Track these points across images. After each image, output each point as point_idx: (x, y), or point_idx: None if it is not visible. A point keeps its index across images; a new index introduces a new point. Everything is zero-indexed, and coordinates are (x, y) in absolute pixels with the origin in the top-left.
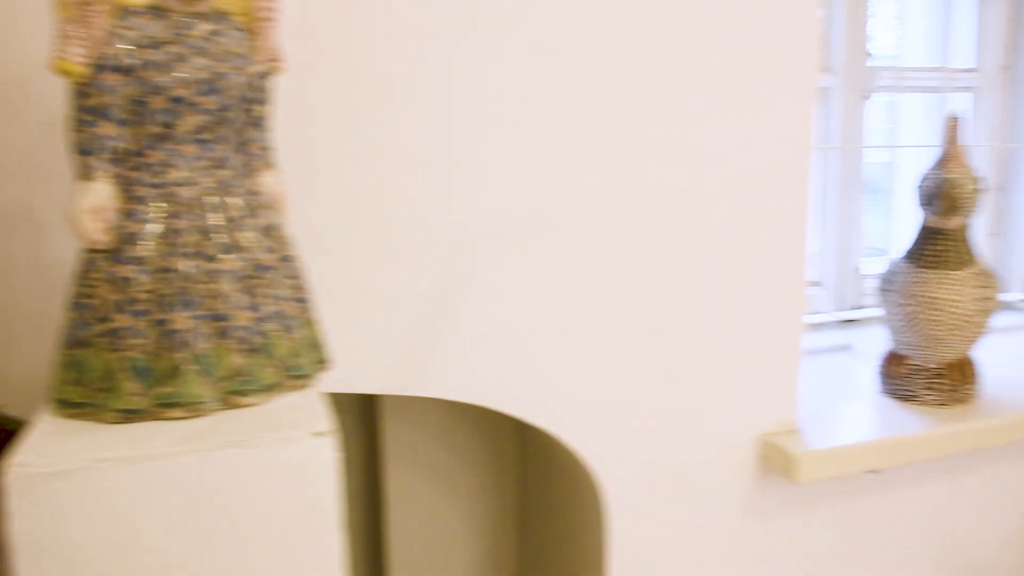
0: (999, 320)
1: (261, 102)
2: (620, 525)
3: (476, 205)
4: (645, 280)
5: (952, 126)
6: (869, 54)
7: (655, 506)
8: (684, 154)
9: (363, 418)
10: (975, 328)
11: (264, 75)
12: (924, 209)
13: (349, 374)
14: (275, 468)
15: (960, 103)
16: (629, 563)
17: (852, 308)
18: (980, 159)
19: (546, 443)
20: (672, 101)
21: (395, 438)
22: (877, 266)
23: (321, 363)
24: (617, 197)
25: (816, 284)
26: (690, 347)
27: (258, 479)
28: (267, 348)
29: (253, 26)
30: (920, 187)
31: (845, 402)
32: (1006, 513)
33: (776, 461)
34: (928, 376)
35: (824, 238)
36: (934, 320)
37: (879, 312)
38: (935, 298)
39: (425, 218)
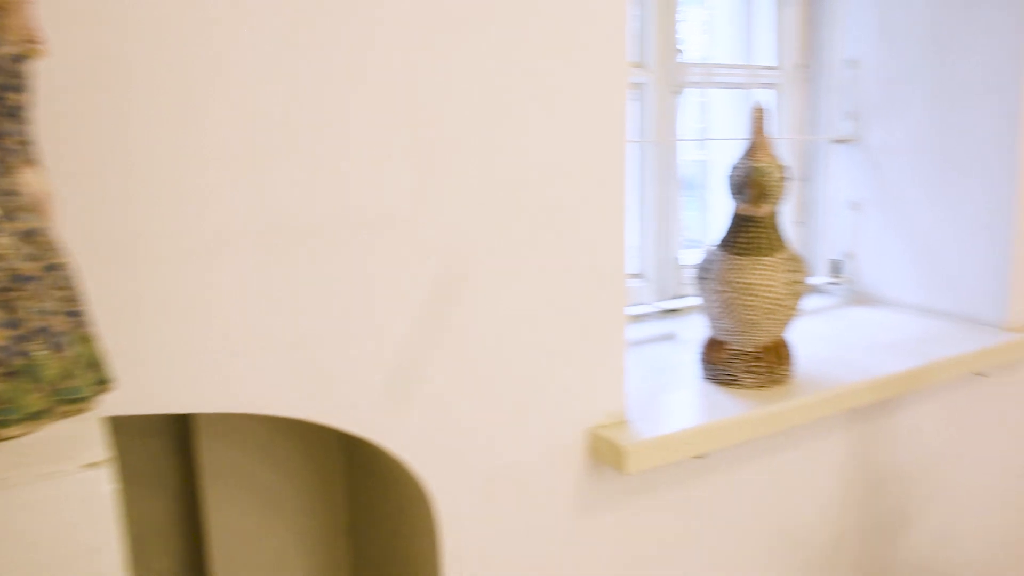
0: (807, 303)
1: (16, 89)
2: (452, 531)
3: (273, 203)
4: (460, 278)
5: (758, 116)
6: (679, 51)
7: (486, 509)
8: (497, 148)
9: (177, 439)
10: (787, 311)
11: (18, 58)
12: (735, 198)
13: (141, 393)
14: (42, 508)
15: (764, 99)
16: (464, 569)
17: (673, 298)
18: (784, 151)
19: (374, 453)
20: (483, 95)
21: (213, 458)
22: (695, 256)
23: (101, 384)
24: (427, 192)
25: (638, 276)
26: (511, 345)
27: (21, 523)
28: (31, 370)
29: (1, 1)
30: (730, 177)
31: (670, 390)
32: (823, 485)
33: (606, 454)
34: (747, 360)
35: (644, 230)
36: (749, 305)
37: (698, 300)
38: (749, 284)
39: (217, 218)
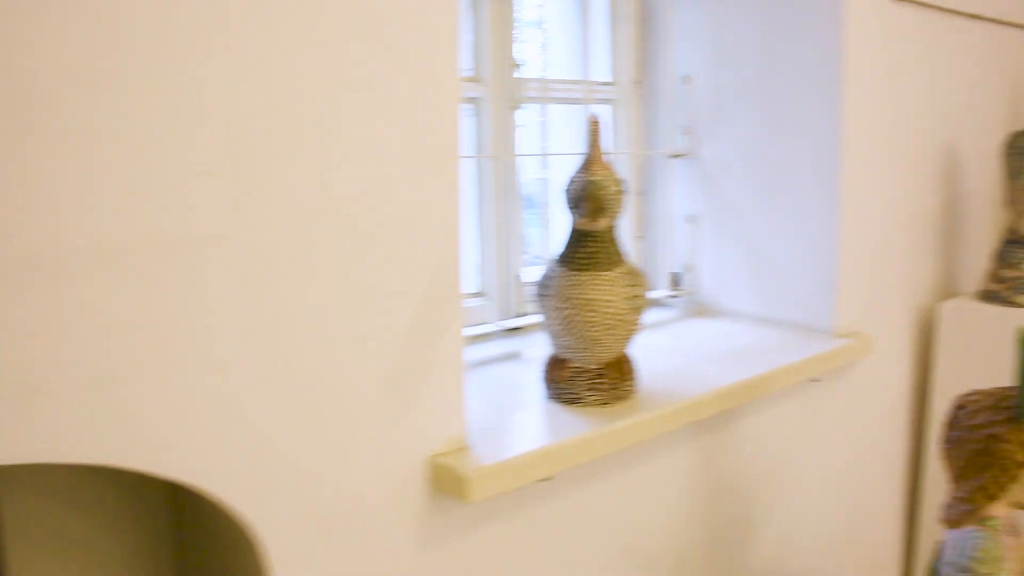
0: (649, 316)
1: None
2: None
3: (71, 223)
4: (281, 303)
5: (594, 129)
6: (517, 66)
7: (321, 550)
8: (321, 163)
9: None
10: (628, 326)
11: None
12: (572, 212)
13: None
14: None
15: (601, 114)
16: None
17: (516, 316)
18: (622, 166)
19: (199, 499)
20: (304, 107)
21: (19, 511)
22: (537, 273)
23: None
24: (243, 210)
25: (479, 295)
26: (340, 373)
27: None
28: None
29: None
30: (567, 191)
31: (514, 412)
32: (669, 498)
33: (447, 483)
34: (589, 377)
35: (485, 248)
36: (589, 321)
37: (540, 318)
38: (589, 299)
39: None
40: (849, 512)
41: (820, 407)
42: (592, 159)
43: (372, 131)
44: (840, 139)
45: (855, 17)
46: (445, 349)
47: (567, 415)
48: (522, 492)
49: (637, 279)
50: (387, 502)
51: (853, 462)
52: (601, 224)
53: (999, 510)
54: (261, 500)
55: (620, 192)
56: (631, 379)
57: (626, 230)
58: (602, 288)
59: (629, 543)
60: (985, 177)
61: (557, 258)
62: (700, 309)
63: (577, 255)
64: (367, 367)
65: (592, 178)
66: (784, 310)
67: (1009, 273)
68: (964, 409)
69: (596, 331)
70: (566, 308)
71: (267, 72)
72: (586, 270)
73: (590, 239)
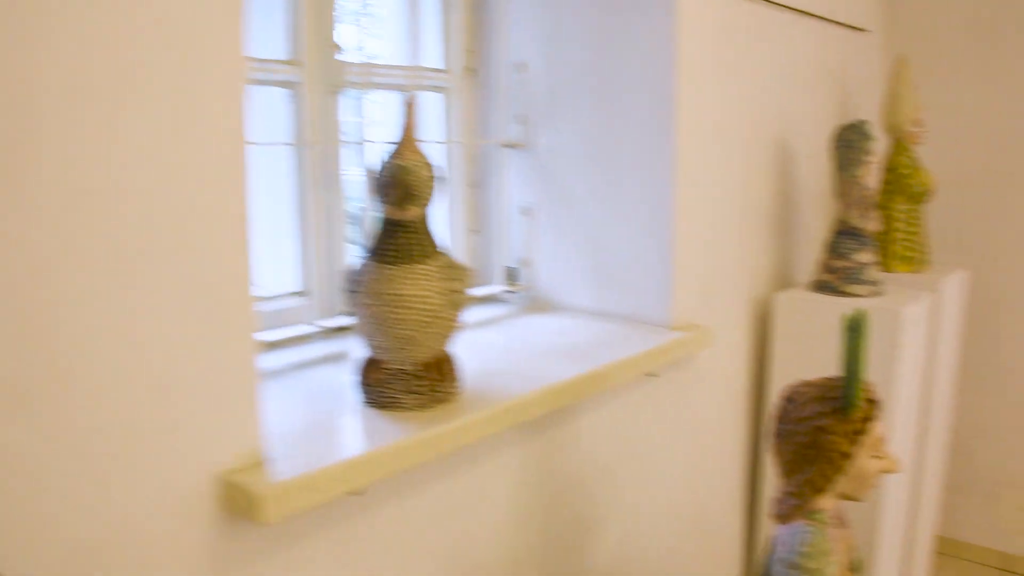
0: (482, 313)
1: None
2: None
3: None
4: (37, 310)
5: (409, 111)
6: (338, 48)
7: None
8: (84, 153)
9: None
10: (446, 323)
11: None
12: (381, 201)
13: None
14: None
15: (431, 102)
16: None
17: (342, 315)
18: (454, 156)
19: None
20: (63, 90)
21: None
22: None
23: None
24: None
25: (300, 294)
26: (111, 387)
27: None
28: None
29: None
30: (376, 177)
31: (325, 420)
32: (500, 504)
33: (239, 502)
34: (407, 379)
35: (305, 243)
36: (402, 318)
37: (352, 317)
38: (401, 295)
39: None
40: (691, 509)
41: (659, 402)
42: (403, 144)
43: (142, 117)
44: (673, 130)
45: (688, 7)
46: (234, 354)
47: (382, 421)
48: (330, 508)
49: (455, 272)
50: (169, 528)
51: (694, 457)
52: (412, 213)
53: (826, 503)
54: (9, 538)
55: (432, 179)
56: (453, 380)
57: (459, 224)
58: (415, 282)
59: (456, 554)
60: (817, 170)
61: (368, 251)
62: (537, 305)
63: (387, 247)
64: (144, 377)
65: (401, 163)
66: (621, 304)
67: (839, 263)
68: (792, 402)
69: (410, 329)
70: (377, 305)
71: (9, 45)
72: (397, 263)
73: (401, 230)
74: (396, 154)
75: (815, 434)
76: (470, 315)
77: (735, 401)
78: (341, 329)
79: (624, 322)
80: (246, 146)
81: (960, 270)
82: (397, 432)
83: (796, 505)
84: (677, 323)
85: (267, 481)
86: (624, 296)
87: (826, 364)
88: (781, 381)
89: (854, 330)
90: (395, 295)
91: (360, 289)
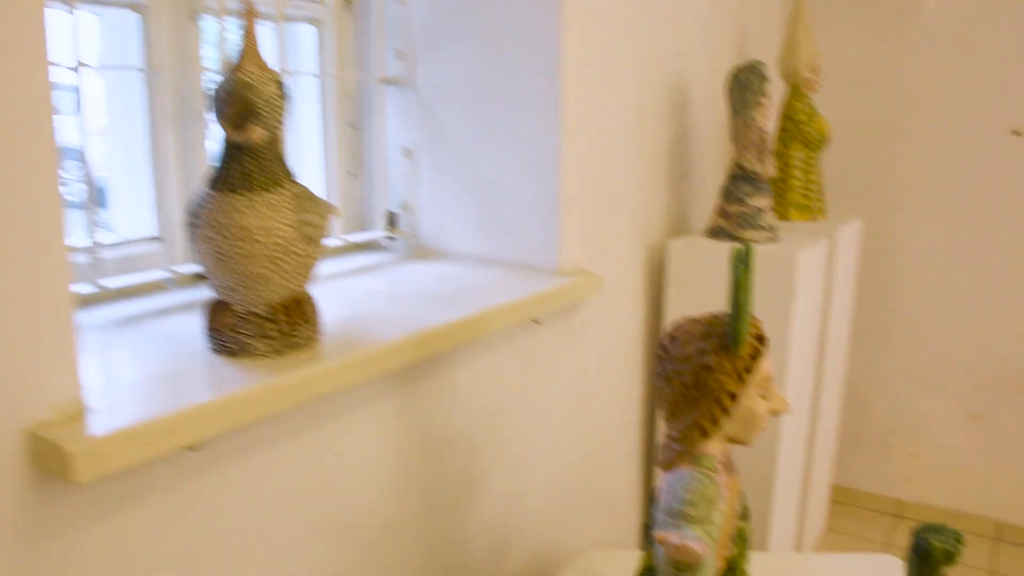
0: (360, 261)
1: None
2: None
3: None
4: None
5: (249, 21)
6: None
7: None
8: None
9: None
10: (301, 260)
11: None
12: (221, 122)
13: None
14: None
15: (304, 35)
16: None
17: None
18: (330, 94)
19: None
20: None
21: None
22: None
23: None
24: None
25: (154, 239)
26: None
27: None
28: None
29: None
30: (214, 95)
31: (166, 369)
32: (373, 459)
33: (51, 460)
34: (258, 323)
35: (158, 180)
36: (248, 253)
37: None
38: (245, 227)
39: None
40: (585, 462)
41: (547, 351)
42: (244, 56)
43: None
44: (559, 68)
45: None
46: (45, 302)
47: (229, 369)
48: (168, 466)
49: (309, 204)
50: None
51: (587, 409)
52: (256, 135)
53: (713, 447)
54: None
55: (281, 97)
56: (313, 324)
57: (336, 166)
58: (261, 213)
59: (323, 518)
60: (714, 115)
61: (208, 180)
62: (420, 251)
63: (230, 174)
64: None
65: (241, 76)
66: (507, 250)
67: (735, 208)
68: (675, 339)
69: (258, 265)
70: (219, 238)
71: None
72: (240, 192)
73: (246, 155)
74: (236, 67)
75: (700, 373)
76: (345, 263)
77: (629, 350)
78: (201, 276)
79: (510, 268)
80: (50, 70)
81: (855, 220)
82: (242, 379)
83: (681, 450)
84: (565, 269)
85: (80, 435)
86: (510, 241)
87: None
88: None
89: (741, 263)
90: (239, 227)
91: (200, 222)
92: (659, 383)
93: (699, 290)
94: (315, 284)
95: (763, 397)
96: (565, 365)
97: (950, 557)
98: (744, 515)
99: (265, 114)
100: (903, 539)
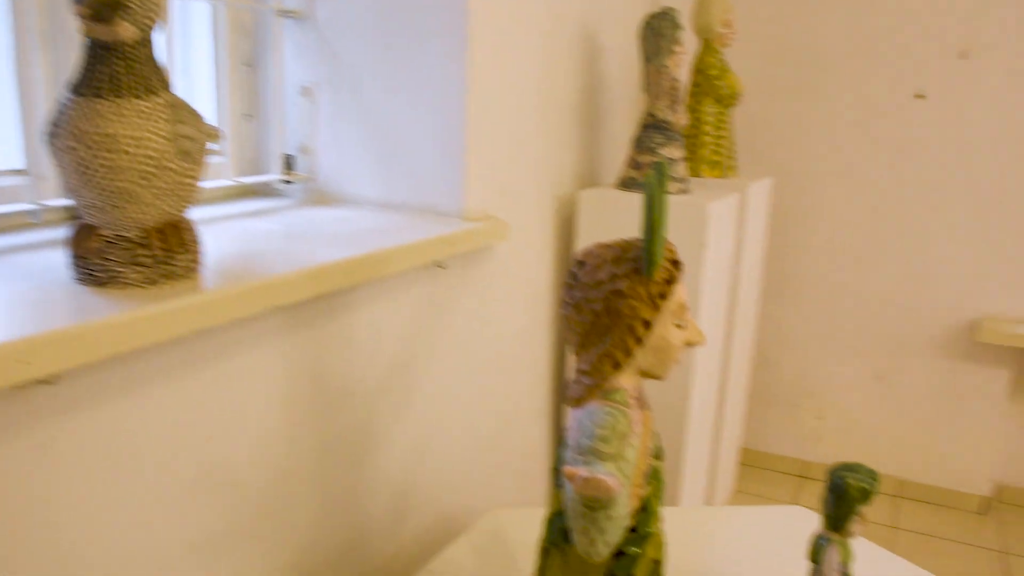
0: (254, 205)
1: None
2: None
3: None
4: None
5: None
6: None
7: None
8: None
9: None
10: (177, 177)
11: None
12: (82, 14)
13: None
14: None
15: None
16: None
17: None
18: (222, 27)
19: None
20: None
21: None
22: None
23: None
24: None
25: (21, 172)
26: None
27: None
28: None
29: None
30: None
31: (21, 300)
32: (258, 409)
33: None
34: (129, 247)
35: (27, 110)
36: (114, 166)
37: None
38: (110, 135)
39: None
40: (492, 417)
41: (452, 298)
42: None
43: None
44: (467, 7)
45: None
46: None
47: (95, 299)
48: (19, 403)
49: (187, 115)
50: None
51: (495, 361)
52: (124, 32)
53: (626, 380)
54: None
55: None
56: (192, 253)
57: (229, 106)
58: (130, 121)
59: (202, 467)
60: (626, 64)
61: (71, 84)
62: (318, 196)
63: (94, 78)
64: None
65: None
66: (411, 195)
67: (646, 158)
68: (584, 266)
69: (125, 180)
70: (80, 148)
71: None
72: (106, 97)
73: (113, 55)
74: None
75: (611, 299)
76: (237, 208)
77: (539, 302)
78: (72, 211)
79: (414, 213)
80: None
81: (765, 177)
82: (107, 308)
83: (592, 384)
84: (471, 215)
85: None
86: (414, 186)
87: None
88: None
89: (655, 181)
90: (104, 135)
91: (61, 131)
92: (568, 312)
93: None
94: (200, 221)
95: (677, 326)
96: (472, 315)
97: (866, 494)
98: (658, 455)
99: (135, 7)
100: (810, 500)
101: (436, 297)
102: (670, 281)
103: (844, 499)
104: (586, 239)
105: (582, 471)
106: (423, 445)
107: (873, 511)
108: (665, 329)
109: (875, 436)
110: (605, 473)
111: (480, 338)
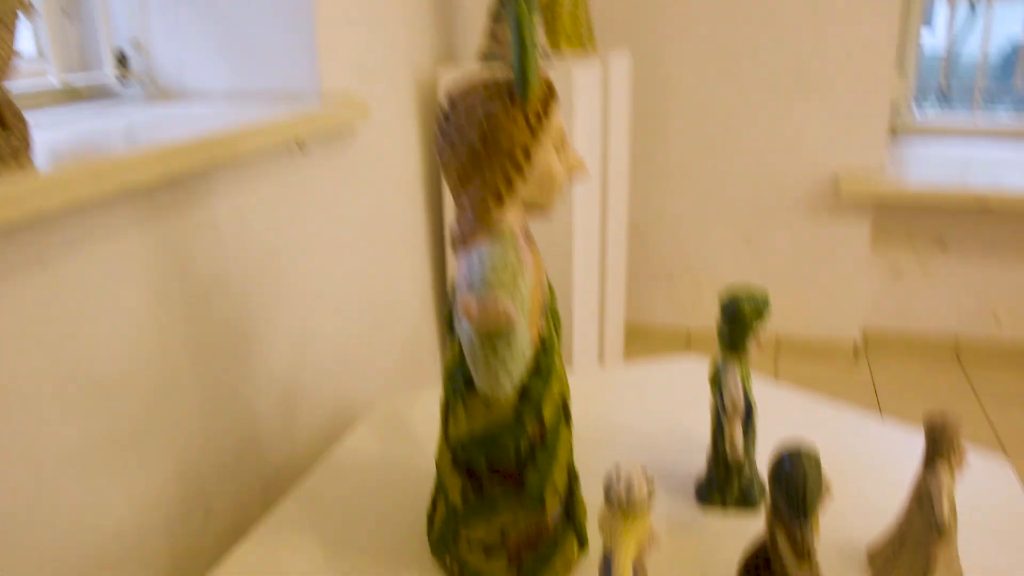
0: (85, 108)
1: None
2: None
3: None
4: None
5: None
6: None
7: None
8: None
9: None
10: None
11: None
12: None
13: None
14: None
15: None
16: None
17: None
18: None
19: None
20: None
21: None
22: None
23: None
24: None
25: None
26: None
27: None
28: None
29: None
30: None
31: None
32: (121, 306)
33: None
34: None
35: None
36: None
37: None
38: None
39: None
40: (374, 305)
41: (317, 182)
42: None
43: None
44: None
45: None
46: None
47: None
48: None
49: None
50: None
51: (370, 247)
52: None
53: (511, 215)
54: None
55: None
56: (17, 134)
57: (45, 3)
58: None
59: (71, 372)
60: None
61: None
62: (160, 92)
63: None
64: None
65: None
66: (263, 80)
67: (504, 29)
68: (455, 102)
69: None
70: None
71: None
72: None
73: None
74: None
75: (487, 128)
76: (68, 113)
77: (409, 186)
78: None
79: (267, 99)
80: None
81: (625, 51)
82: None
83: (477, 222)
84: (328, 96)
85: None
86: (264, 71)
87: None
88: None
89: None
90: None
91: None
92: (444, 149)
93: None
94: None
95: (559, 153)
96: (339, 200)
97: (759, 314)
98: (550, 292)
99: None
100: None
101: (300, 182)
102: (547, 103)
103: (738, 321)
104: None
105: (478, 301)
106: (304, 338)
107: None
108: (546, 156)
109: None
110: (500, 301)
111: (350, 224)
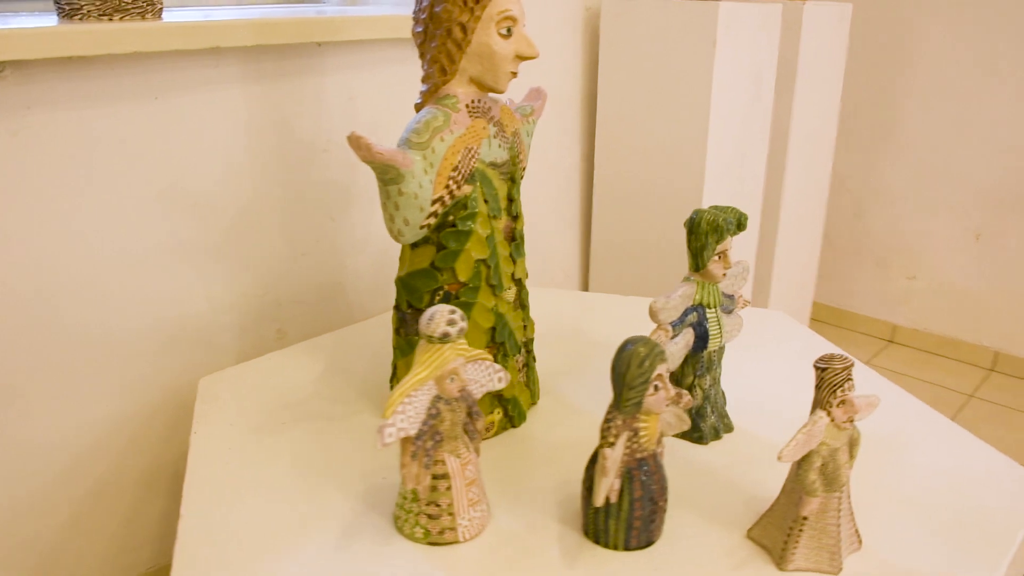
0: None
1: None
2: None
3: None
4: None
5: None
6: None
7: None
8: None
9: None
10: None
11: None
12: None
13: None
14: None
15: None
16: None
17: None
18: None
19: None
20: None
21: None
22: None
23: None
24: None
25: None
26: None
27: None
28: None
29: None
30: None
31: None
32: (218, 141)
33: None
34: None
35: None
36: None
37: None
38: None
39: None
40: None
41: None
42: None
43: None
44: None
45: None
46: None
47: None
48: None
49: None
50: None
51: None
52: None
53: (458, 88)
54: None
55: None
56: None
57: None
58: None
59: (167, 184)
60: None
61: None
62: None
63: None
64: None
65: None
66: None
67: None
68: None
69: None
70: None
71: None
72: None
73: None
74: None
75: (433, 6)
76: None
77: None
78: None
79: None
80: None
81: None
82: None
83: (426, 91)
84: None
85: None
86: None
87: (649, 67)
88: (608, 87)
89: None
90: None
91: None
92: (413, 28)
93: (634, 46)
94: None
95: (504, 37)
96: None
97: (717, 228)
98: (512, 183)
99: None
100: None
101: (407, 74)
102: None
103: (696, 233)
104: (609, 47)
105: (367, 142)
106: None
107: (957, 379)
108: (487, 36)
109: (971, 303)
110: (395, 150)
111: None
